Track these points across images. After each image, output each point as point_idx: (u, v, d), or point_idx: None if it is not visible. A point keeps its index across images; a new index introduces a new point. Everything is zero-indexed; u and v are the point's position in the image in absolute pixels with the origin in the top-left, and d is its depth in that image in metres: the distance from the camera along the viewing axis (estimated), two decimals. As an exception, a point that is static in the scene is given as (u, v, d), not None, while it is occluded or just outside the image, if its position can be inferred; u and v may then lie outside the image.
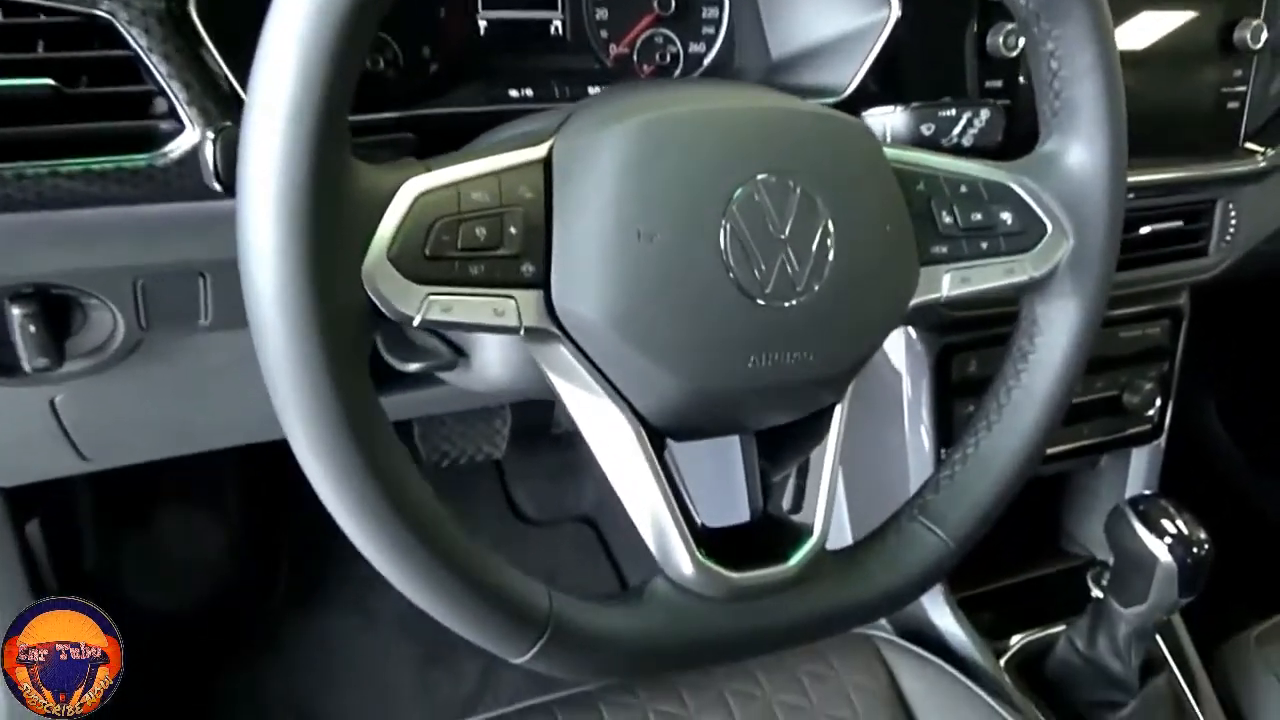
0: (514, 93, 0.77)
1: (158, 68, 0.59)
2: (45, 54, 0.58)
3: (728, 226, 0.52)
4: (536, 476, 1.56)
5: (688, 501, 0.57)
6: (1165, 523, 0.86)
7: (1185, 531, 0.86)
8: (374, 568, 0.50)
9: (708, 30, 0.88)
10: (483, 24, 0.81)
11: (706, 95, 0.59)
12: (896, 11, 0.78)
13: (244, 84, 0.50)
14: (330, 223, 0.45)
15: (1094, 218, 0.62)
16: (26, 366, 0.66)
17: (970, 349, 0.97)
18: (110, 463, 0.89)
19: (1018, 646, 1.03)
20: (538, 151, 0.52)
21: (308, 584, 1.44)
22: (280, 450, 0.49)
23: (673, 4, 0.85)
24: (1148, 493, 0.98)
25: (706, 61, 0.88)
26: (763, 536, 0.59)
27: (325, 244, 0.45)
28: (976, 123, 0.72)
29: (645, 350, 0.51)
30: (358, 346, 0.47)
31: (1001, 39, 0.81)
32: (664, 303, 0.51)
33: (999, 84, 0.84)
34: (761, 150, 0.54)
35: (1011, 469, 0.63)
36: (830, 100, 0.79)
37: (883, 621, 1.03)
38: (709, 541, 0.56)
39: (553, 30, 0.84)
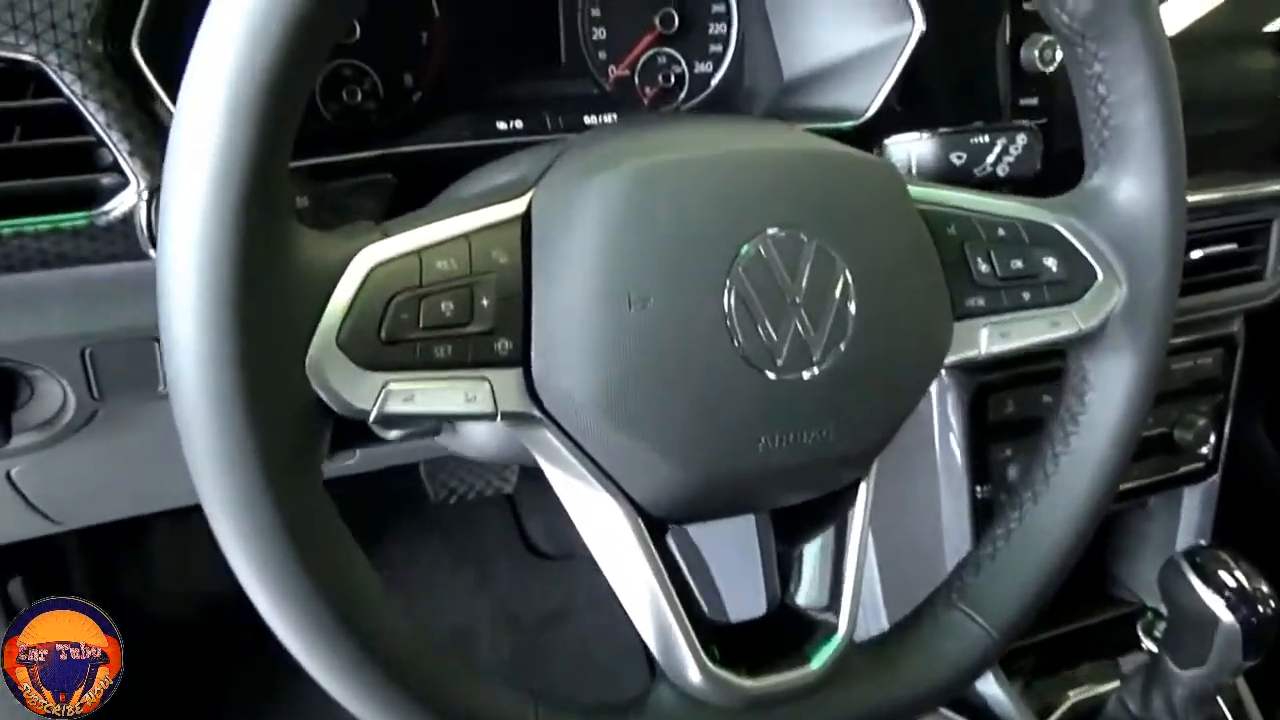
0: (502, 125, 0.70)
1: (94, 117, 0.53)
2: None
3: (732, 289, 0.45)
4: (550, 510, 1.49)
5: (694, 594, 0.50)
6: (1225, 577, 0.78)
7: (1248, 587, 0.78)
8: None
9: (715, 48, 0.81)
10: (469, 47, 0.75)
11: (706, 136, 0.52)
12: (921, 25, 0.71)
13: None
14: (264, 305, 0.38)
15: (1149, 261, 0.55)
16: (-33, 444, 0.60)
17: (1007, 388, 0.89)
18: (82, 523, 0.83)
19: (1065, 708, 0.95)
20: (514, 207, 0.46)
21: None
22: None
23: (676, 21, 0.79)
24: (1204, 543, 0.90)
25: (714, 82, 0.82)
26: (781, 632, 0.53)
27: (258, 331, 0.38)
28: (1012, 150, 0.65)
29: (640, 435, 0.45)
30: (302, 451, 0.41)
31: (1037, 52, 0.74)
32: (660, 380, 0.45)
33: (1034, 101, 0.77)
34: (770, 200, 0.47)
35: (1062, 547, 0.56)
36: (848, 124, 0.73)
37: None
38: (720, 640, 0.49)
39: (546, 52, 0.78)
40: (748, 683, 0.49)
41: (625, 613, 0.49)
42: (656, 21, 0.78)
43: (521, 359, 0.44)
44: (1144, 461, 0.97)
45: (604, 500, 0.47)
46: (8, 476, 0.70)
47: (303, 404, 0.40)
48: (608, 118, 0.73)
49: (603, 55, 0.79)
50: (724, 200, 0.46)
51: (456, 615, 1.43)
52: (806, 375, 0.46)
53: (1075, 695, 0.96)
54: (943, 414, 0.89)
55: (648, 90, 0.80)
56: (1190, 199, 0.84)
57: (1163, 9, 0.54)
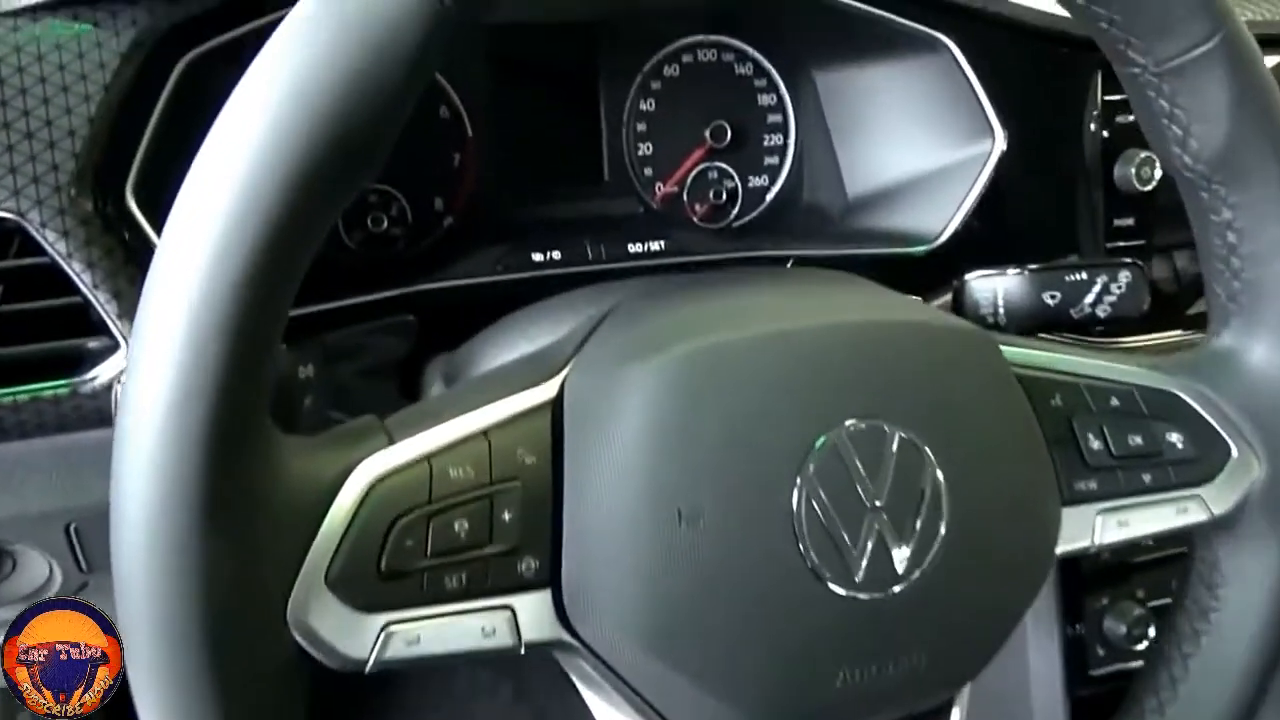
0: (538, 255, 0.64)
1: (80, 276, 0.47)
2: None
3: (803, 496, 0.38)
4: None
5: None
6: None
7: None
8: None
9: (770, 160, 0.75)
10: (503, 168, 0.69)
11: (766, 305, 0.44)
12: (1002, 144, 0.64)
13: None
14: (236, 542, 0.31)
15: None
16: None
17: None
18: None
19: None
20: (543, 393, 0.39)
21: None
22: None
23: (729, 134, 0.72)
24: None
25: (769, 197, 0.75)
26: None
27: (226, 575, 0.31)
28: (1114, 288, 0.57)
29: (693, 675, 0.37)
30: (284, 712, 0.34)
31: (1134, 170, 0.66)
32: (716, 605, 0.37)
33: (1130, 221, 0.69)
34: (845, 387, 0.39)
35: None
36: (921, 249, 0.66)
37: None
38: None
39: (588, 170, 0.72)
40: None
41: None
42: (707, 135, 0.72)
43: (550, 579, 0.37)
44: None
45: None
46: None
47: (282, 660, 0.33)
48: (654, 244, 0.66)
49: (649, 171, 0.73)
50: (792, 390, 0.39)
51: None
52: (890, 593, 0.39)
53: None
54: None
55: (697, 207, 0.73)
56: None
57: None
